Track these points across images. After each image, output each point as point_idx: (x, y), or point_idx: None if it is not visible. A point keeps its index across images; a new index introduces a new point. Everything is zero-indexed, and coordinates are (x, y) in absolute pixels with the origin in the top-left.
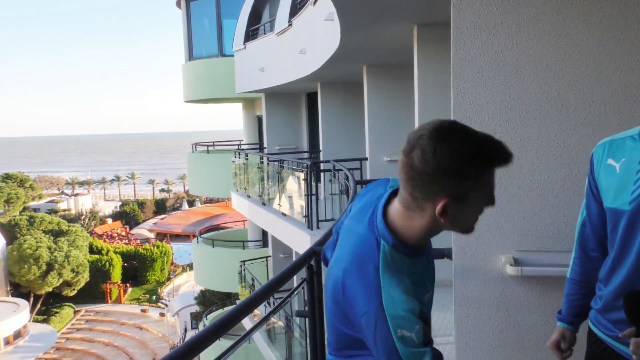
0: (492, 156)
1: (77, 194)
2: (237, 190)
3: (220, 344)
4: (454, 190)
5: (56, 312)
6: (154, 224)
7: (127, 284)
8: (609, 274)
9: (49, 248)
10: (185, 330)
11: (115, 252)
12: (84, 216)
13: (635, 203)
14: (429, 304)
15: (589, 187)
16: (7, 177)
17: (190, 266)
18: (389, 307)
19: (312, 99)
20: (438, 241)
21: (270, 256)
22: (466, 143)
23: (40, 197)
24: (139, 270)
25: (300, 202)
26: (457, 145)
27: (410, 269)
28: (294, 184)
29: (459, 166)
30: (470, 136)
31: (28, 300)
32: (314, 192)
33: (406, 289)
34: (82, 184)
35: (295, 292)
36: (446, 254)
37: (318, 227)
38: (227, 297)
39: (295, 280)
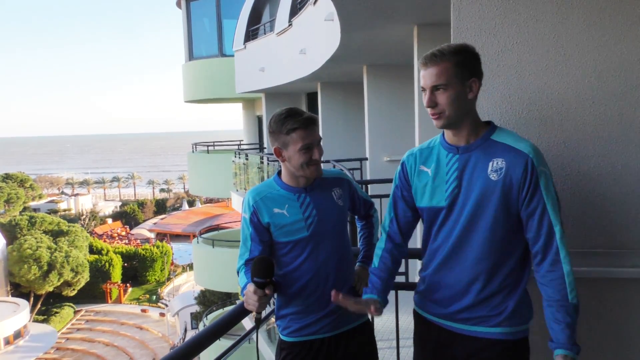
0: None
1: (77, 194)
2: (237, 190)
3: (220, 344)
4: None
5: (56, 312)
6: (154, 224)
7: (127, 284)
8: (429, 259)
9: (49, 248)
10: (186, 330)
11: (115, 252)
12: (84, 216)
13: (450, 199)
14: None
15: (398, 191)
16: (7, 177)
17: (191, 266)
18: None
19: (312, 99)
20: None
21: None
22: (276, 115)
23: (40, 197)
24: (139, 270)
25: None
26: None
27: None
28: None
29: (271, 128)
30: (283, 111)
31: (28, 300)
32: None
33: None
34: (82, 184)
35: None
36: None
37: None
38: (227, 297)
39: None
